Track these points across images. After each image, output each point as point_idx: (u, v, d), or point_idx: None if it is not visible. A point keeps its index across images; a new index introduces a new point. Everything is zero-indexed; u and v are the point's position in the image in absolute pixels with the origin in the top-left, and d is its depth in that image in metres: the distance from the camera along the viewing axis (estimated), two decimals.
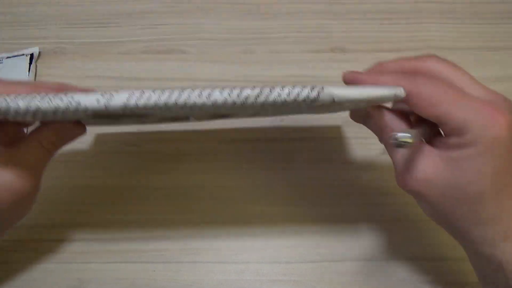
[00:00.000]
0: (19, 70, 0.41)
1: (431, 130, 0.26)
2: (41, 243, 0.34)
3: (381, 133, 0.27)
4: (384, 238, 0.35)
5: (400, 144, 0.21)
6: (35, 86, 0.26)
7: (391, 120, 0.26)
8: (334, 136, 0.39)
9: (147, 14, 0.45)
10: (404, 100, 0.24)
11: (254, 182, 0.37)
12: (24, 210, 0.29)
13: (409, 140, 0.21)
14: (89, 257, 0.34)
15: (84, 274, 0.34)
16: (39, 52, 0.43)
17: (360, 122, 0.29)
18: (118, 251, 0.34)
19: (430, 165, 0.24)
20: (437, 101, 0.23)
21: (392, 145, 0.22)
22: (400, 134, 0.21)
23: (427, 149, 0.25)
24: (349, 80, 0.27)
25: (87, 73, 0.42)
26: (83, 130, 0.29)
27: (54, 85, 0.27)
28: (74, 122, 0.28)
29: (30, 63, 0.41)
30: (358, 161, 0.38)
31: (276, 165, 0.38)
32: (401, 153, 0.25)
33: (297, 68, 0.42)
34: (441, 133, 0.25)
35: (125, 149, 0.38)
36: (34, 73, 0.42)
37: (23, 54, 0.42)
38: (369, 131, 0.28)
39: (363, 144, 0.38)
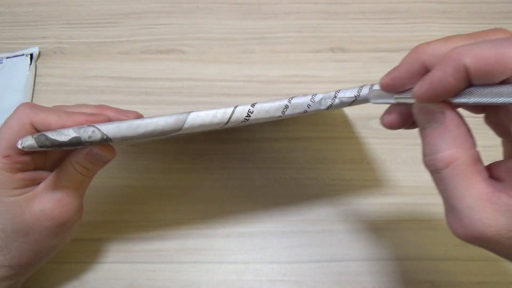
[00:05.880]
0: (19, 70, 0.41)
1: None
2: None
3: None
4: (384, 238, 0.35)
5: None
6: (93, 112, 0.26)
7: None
8: (334, 136, 0.39)
9: (147, 14, 0.45)
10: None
11: (255, 182, 0.37)
12: (66, 235, 0.29)
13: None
14: (89, 257, 0.34)
15: (84, 274, 0.34)
16: (39, 52, 0.43)
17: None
18: (117, 251, 0.35)
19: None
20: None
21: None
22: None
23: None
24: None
25: (86, 73, 0.42)
26: (113, 154, 0.27)
27: (94, 108, 0.27)
28: (103, 146, 0.26)
29: (30, 63, 0.42)
30: (358, 161, 0.38)
31: (277, 165, 0.38)
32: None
33: (296, 68, 0.42)
34: None
35: (124, 149, 0.38)
36: (34, 73, 0.42)
37: (23, 54, 0.42)
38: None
39: (364, 144, 0.38)
